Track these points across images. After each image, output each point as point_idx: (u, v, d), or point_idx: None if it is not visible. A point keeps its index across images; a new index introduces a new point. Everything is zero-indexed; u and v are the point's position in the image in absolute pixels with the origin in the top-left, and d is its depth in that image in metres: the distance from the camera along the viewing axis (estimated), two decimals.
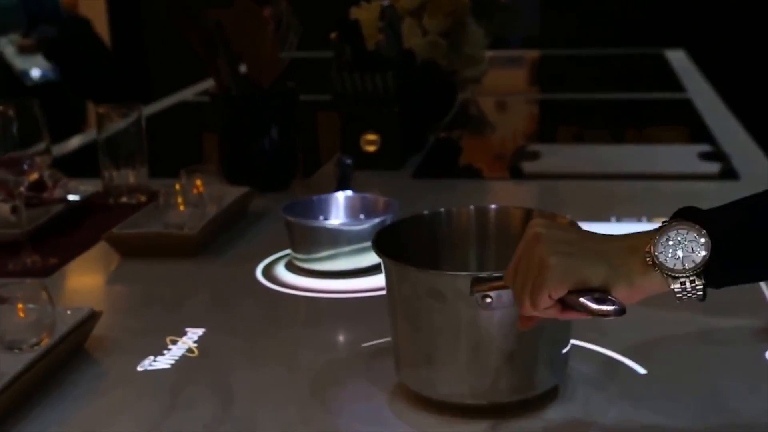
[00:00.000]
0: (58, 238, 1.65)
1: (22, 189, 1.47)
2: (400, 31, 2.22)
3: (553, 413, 1.03)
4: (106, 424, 1.05)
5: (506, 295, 0.95)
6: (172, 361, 1.19)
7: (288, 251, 1.53)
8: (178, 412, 1.06)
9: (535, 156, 2.21)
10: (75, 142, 2.56)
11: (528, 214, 1.15)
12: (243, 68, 1.92)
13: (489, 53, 2.67)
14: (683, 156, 2.18)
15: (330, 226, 1.49)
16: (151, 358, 1.19)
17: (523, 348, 1.01)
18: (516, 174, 2.11)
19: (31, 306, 1.15)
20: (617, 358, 1.16)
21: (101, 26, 6.00)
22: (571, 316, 0.91)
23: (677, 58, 3.53)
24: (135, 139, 1.82)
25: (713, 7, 4.86)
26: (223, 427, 1.03)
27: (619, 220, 1.70)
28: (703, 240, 0.87)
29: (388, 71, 2.05)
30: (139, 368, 1.17)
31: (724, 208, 0.90)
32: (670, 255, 0.87)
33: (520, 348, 1.01)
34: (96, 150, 1.85)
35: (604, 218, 1.72)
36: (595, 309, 0.89)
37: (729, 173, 2.02)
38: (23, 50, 5.52)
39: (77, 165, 2.20)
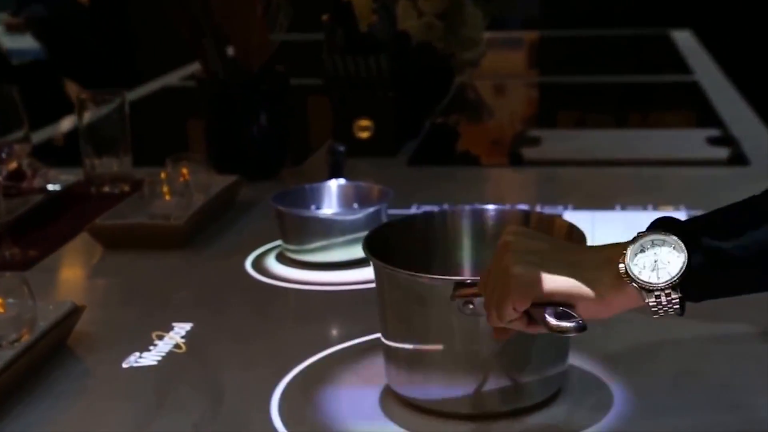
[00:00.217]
0: (39, 230, 1.65)
1: None
2: (394, 12, 2.22)
3: (545, 416, 1.03)
4: (89, 423, 1.05)
5: None
6: (159, 358, 1.19)
7: (279, 242, 1.53)
8: (166, 411, 1.07)
9: (535, 142, 2.21)
10: (67, 124, 2.55)
11: (526, 217, 1.14)
12: (231, 51, 1.92)
13: (487, 35, 2.67)
14: (690, 141, 2.19)
15: (322, 216, 1.49)
16: (137, 354, 1.20)
17: (513, 358, 1.00)
18: (515, 161, 2.11)
19: (10, 300, 1.15)
20: (622, 352, 1.17)
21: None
22: (537, 329, 0.90)
23: (683, 39, 3.53)
24: (118, 125, 1.82)
25: None
26: (212, 426, 1.04)
27: (623, 208, 1.71)
28: (679, 251, 0.85)
29: (382, 54, 2.06)
30: (124, 365, 1.17)
31: (703, 217, 0.89)
32: (644, 267, 0.86)
33: (508, 358, 1.00)
34: (77, 137, 1.85)
35: (607, 207, 1.72)
36: (553, 324, 0.87)
37: (738, 159, 2.03)
38: (11, 29, 5.50)
39: (58, 153, 2.20)
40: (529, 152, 2.13)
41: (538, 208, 1.74)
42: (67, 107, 1.88)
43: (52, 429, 1.04)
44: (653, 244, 0.86)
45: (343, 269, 1.44)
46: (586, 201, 1.76)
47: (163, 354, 1.20)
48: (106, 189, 1.83)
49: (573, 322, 0.87)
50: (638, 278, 0.86)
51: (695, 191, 1.82)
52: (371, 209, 1.48)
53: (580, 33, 3.95)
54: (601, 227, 1.61)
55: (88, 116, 1.82)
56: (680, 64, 3.11)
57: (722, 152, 2.07)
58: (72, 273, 1.56)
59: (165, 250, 1.54)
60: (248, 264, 1.50)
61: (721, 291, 0.88)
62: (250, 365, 1.18)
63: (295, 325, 1.31)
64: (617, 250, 0.88)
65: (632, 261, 0.86)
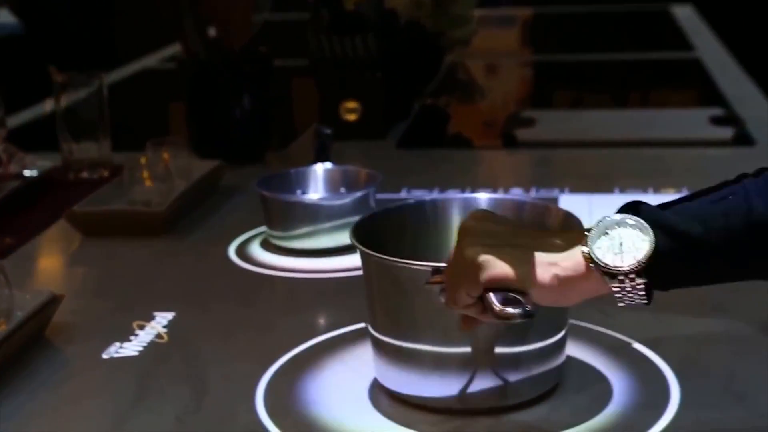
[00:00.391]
0: (15, 217, 1.66)
1: None
2: None
3: (538, 411, 1.03)
4: (69, 415, 1.06)
5: None
6: (140, 348, 1.20)
7: (263, 228, 1.54)
8: (148, 403, 1.08)
9: (529, 123, 2.22)
10: (45, 107, 2.55)
11: (520, 206, 1.14)
12: (212, 31, 1.93)
13: (478, 12, 2.69)
14: (693, 121, 2.20)
15: (308, 201, 1.51)
16: (117, 344, 1.21)
17: (504, 353, 1.00)
18: (509, 142, 2.12)
19: None
20: (624, 339, 1.18)
21: None
22: (490, 318, 0.90)
23: (685, 14, 3.54)
24: (96, 109, 1.83)
25: None
26: (196, 418, 1.05)
27: (623, 192, 1.72)
28: (645, 234, 0.84)
29: (369, 33, 2.06)
30: (104, 356, 1.18)
31: (674, 201, 0.88)
32: (607, 250, 0.85)
33: (500, 353, 1.00)
34: (54, 121, 1.86)
35: (606, 190, 1.73)
36: (498, 310, 0.87)
37: (743, 139, 2.03)
38: None
39: (34, 138, 2.21)
40: (523, 134, 2.14)
41: (533, 192, 1.75)
42: (46, 89, 1.88)
43: (29, 422, 1.05)
44: (618, 227, 0.86)
45: (330, 256, 1.46)
46: (583, 184, 1.77)
47: (145, 344, 1.21)
48: (85, 175, 1.84)
49: (519, 308, 0.86)
50: (601, 261, 0.85)
51: (698, 173, 1.83)
52: (359, 194, 1.49)
53: (576, 9, 3.94)
54: (598, 212, 1.61)
55: (65, 99, 1.82)
56: (681, 41, 3.12)
57: (726, 132, 2.08)
58: (50, 261, 1.57)
59: (145, 238, 1.55)
60: (232, 251, 1.51)
61: (689, 278, 0.86)
62: (235, 355, 1.19)
63: (281, 314, 1.32)
64: (581, 233, 0.87)
65: (595, 244, 0.86)
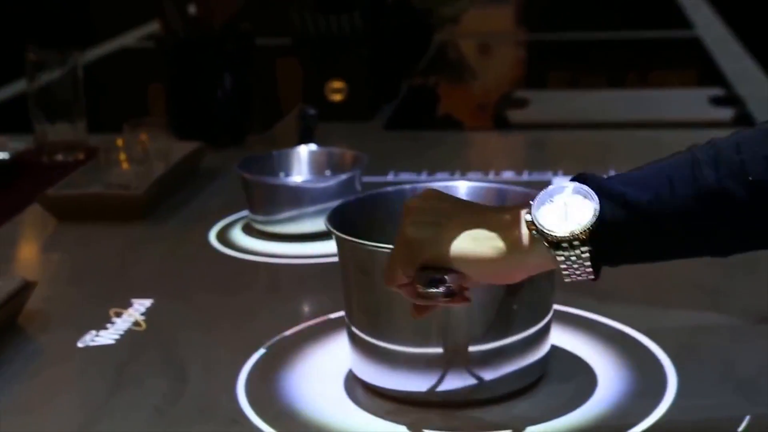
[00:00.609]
0: None
1: None
2: None
3: (519, 405, 1.03)
4: (43, 406, 1.06)
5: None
6: (117, 336, 1.20)
7: (245, 213, 1.55)
8: (125, 392, 1.08)
9: (522, 104, 2.23)
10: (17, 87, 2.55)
11: (502, 194, 1.13)
12: (192, 9, 1.93)
13: None
14: (692, 101, 2.20)
15: (292, 184, 1.51)
16: (93, 332, 1.21)
17: (476, 347, 1.00)
18: (501, 124, 2.12)
19: None
20: (618, 327, 1.19)
21: None
22: (422, 300, 0.89)
23: None
24: (71, 89, 1.83)
25: None
26: (175, 408, 1.05)
27: None
28: (590, 201, 0.83)
29: (355, 11, 2.06)
30: (80, 344, 1.18)
31: (624, 173, 0.87)
32: (551, 217, 0.84)
33: (468, 350, 1.00)
34: (27, 102, 1.85)
35: (602, 173, 1.73)
36: (420, 290, 0.87)
37: (744, 119, 2.04)
38: None
39: (6, 119, 2.20)
40: (515, 115, 2.15)
41: (525, 175, 1.75)
42: (19, 68, 1.87)
43: (2, 411, 1.05)
44: (563, 194, 0.85)
45: (314, 241, 1.46)
46: (578, 167, 1.74)
47: (122, 332, 1.21)
48: (59, 157, 1.83)
49: (442, 287, 0.86)
50: (544, 228, 0.84)
51: None
52: (344, 176, 1.49)
53: None
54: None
55: (38, 79, 1.82)
56: (680, 19, 3.12)
57: (726, 113, 2.09)
58: (22, 247, 1.57)
59: (123, 222, 1.55)
60: (212, 236, 1.51)
61: (635, 250, 0.85)
62: (215, 343, 1.19)
63: (263, 300, 1.33)
64: (527, 205, 0.86)
65: (539, 211, 0.85)
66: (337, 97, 2.10)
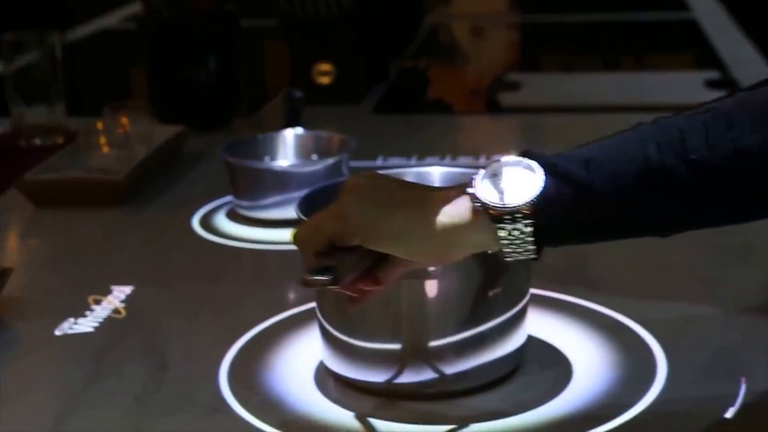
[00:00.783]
0: None
1: None
2: None
3: (492, 396, 1.02)
4: (19, 395, 1.06)
5: None
6: (96, 324, 1.19)
7: (229, 198, 1.54)
8: (104, 381, 1.07)
9: (514, 86, 2.22)
10: None
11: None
12: None
13: None
14: (687, 84, 2.21)
15: (277, 168, 1.50)
16: (71, 320, 1.20)
17: (445, 333, 0.99)
18: (492, 107, 2.12)
19: None
20: (609, 314, 1.18)
21: None
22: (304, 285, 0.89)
23: None
24: (49, 70, 1.82)
25: None
26: (156, 397, 1.04)
27: None
28: (534, 176, 0.83)
29: None
30: (57, 332, 1.18)
31: (571, 151, 0.86)
32: (494, 190, 0.84)
33: (428, 347, 0.99)
34: (3, 84, 1.84)
35: None
36: (303, 276, 0.87)
37: None
38: None
39: None
40: (507, 98, 2.14)
41: None
42: None
43: None
44: (507, 169, 0.85)
45: None
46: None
47: (101, 320, 1.20)
48: (37, 141, 1.82)
49: (327, 275, 0.86)
50: (487, 200, 0.84)
51: None
52: (331, 160, 1.48)
53: None
54: None
55: (15, 60, 1.81)
56: (676, 1, 3.12)
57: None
58: None
59: (103, 208, 1.54)
60: (195, 222, 1.51)
61: (578, 228, 0.86)
62: (197, 331, 1.18)
63: (247, 287, 1.32)
64: (464, 184, 0.87)
65: (482, 184, 0.85)
66: (325, 80, 2.09)
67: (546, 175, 0.83)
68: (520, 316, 1.04)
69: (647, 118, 2.06)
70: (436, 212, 0.86)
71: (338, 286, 0.88)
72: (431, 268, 0.96)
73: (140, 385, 1.06)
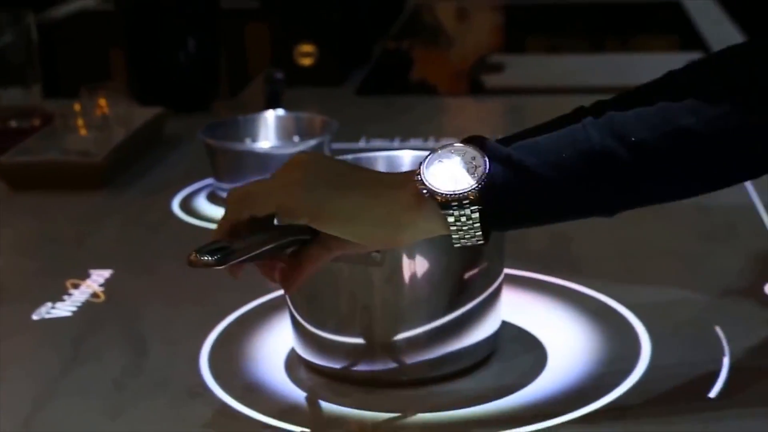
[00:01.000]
0: None
1: None
2: None
3: (467, 383, 1.02)
4: None
5: None
6: (74, 308, 1.19)
7: (210, 180, 1.53)
8: (82, 366, 1.07)
9: (498, 68, 2.22)
10: None
11: None
12: None
13: None
14: (671, 66, 2.17)
15: (258, 150, 1.49)
16: (49, 304, 1.20)
17: (416, 318, 0.99)
18: (476, 89, 2.12)
19: None
20: (592, 294, 1.19)
21: None
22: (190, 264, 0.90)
23: None
24: (24, 51, 1.80)
25: None
26: (135, 382, 1.04)
27: None
28: (479, 162, 0.85)
29: None
30: (35, 317, 1.17)
31: (513, 136, 0.91)
32: (441, 176, 0.86)
33: (411, 319, 0.99)
34: None
35: None
36: (190, 255, 0.88)
37: None
38: None
39: None
40: (490, 79, 2.14)
41: None
42: None
43: None
44: (453, 155, 0.87)
45: None
46: None
47: (79, 304, 1.20)
48: (13, 123, 1.81)
49: (214, 256, 0.87)
50: (433, 186, 0.86)
51: None
52: (313, 142, 1.48)
53: None
54: None
55: None
56: None
57: None
58: None
59: (81, 191, 1.54)
60: (175, 204, 1.50)
61: (523, 212, 0.88)
62: (177, 315, 1.18)
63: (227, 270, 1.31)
64: (412, 170, 0.88)
65: (428, 170, 0.86)
66: (307, 61, 2.08)
67: (489, 160, 0.85)
68: (494, 299, 1.03)
69: None
70: (387, 197, 0.88)
71: (224, 267, 0.89)
72: (374, 254, 0.95)
73: (119, 369, 1.06)
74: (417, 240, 0.91)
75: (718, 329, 1.09)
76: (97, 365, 1.07)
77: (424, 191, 0.86)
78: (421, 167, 0.87)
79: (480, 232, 0.87)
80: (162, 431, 0.95)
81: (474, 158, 0.86)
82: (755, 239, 1.32)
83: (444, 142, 0.88)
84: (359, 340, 0.99)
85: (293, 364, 1.05)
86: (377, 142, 1.74)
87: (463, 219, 0.86)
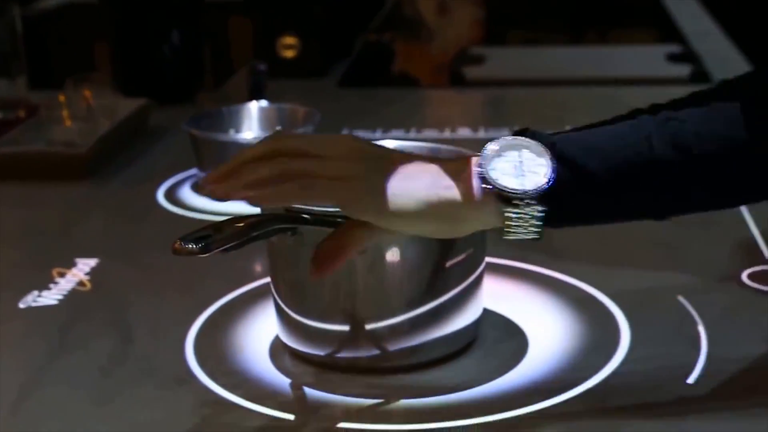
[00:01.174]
0: None
1: None
2: None
3: (445, 371, 1.02)
4: None
5: None
6: (60, 296, 1.19)
7: (194, 171, 1.53)
8: (69, 353, 1.07)
9: (478, 60, 2.22)
10: None
11: (434, 152, 1.09)
12: None
13: None
14: (649, 58, 2.21)
15: (242, 141, 1.49)
16: (35, 293, 1.19)
17: (398, 305, 0.98)
18: (457, 81, 2.12)
19: None
20: (573, 282, 1.19)
21: None
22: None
23: None
24: (9, 43, 1.80)
25: None
26: (121, 369, 1.03)
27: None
28: (544, 159, 0.84)
29: None
30: (21, 305, 1.17)
31: (569, 132, 0.89)
32: (504, 172, 0.84)
33: (394, 307, 0.98)
34: None
35: (559, 129, 1.73)
36: (174, 243, 0.88)
37: (700, 76, 2.05)
38: None
39: None
40: (471, 71, 2.14)
41: (481, 133, 1.75)
42: None
43: None
44: (514, 150, 0.85)
45: None
46: (535, 123, 1.74)
47: (65, 292, 1.20)
48: None
49: (198, 244, 0.88)
50: (498, 183, 0.84)
51: None
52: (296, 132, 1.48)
53: None
54: None
55: None
56: None
57: (683, 69, 2.10)
58: None
59: (66, 181, 1.53)
60: (160, 194, 1.50)
61: (580, 213, 0.87)
62: (163, 303, 1.18)
63: (213, 259, 1.30)
64: (472, 156, 0.87)
65: (490, 165, 0.85)
66: (290, 54, 2.08)
67: (554, 160, 0.84)
68: (475, 288, 1.03)
69: (609, 91, 2.07)
70: (449, 192, 0.86)
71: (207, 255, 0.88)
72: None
73: (105, 356, 1.05)
74: (473, 231, 0.89)
75: (696, 316, 1.09)
76: (84, 353, 1.07)
77: (488, 186, 0.84)
78: (482, 159, 0.85)
79: (538, 230, 0.85)
80: (148, 418, 0.95)
81: (538, 155, 0.84)
82: (733, 228, 1.32)
83: (502, 134, 0.86)
84: (342, 328, 0.99)
85: (277, 351, 1.05)
86: (359, 133, 1.74)
87: (525, 216, 0.84)
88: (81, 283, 1.22)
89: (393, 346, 0.99)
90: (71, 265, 1.26)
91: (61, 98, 1.61)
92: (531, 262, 1.22)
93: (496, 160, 0.85)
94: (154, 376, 1.02)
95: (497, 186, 0.84)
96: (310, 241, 0.95)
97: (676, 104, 0.92)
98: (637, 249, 1.28)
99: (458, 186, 0.86)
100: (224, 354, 1.05)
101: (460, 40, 2.62)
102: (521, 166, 0.84)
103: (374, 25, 2.52)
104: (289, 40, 2.08)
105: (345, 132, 1.75)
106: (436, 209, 0.86)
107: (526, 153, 0.85)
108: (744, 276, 1.18)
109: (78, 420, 0.94)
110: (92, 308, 1.17)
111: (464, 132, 1.76)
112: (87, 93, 1.63)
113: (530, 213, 0.84)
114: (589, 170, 0.84)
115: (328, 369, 1.01)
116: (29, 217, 1.45)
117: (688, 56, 2.19)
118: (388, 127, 1.78)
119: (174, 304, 1.17)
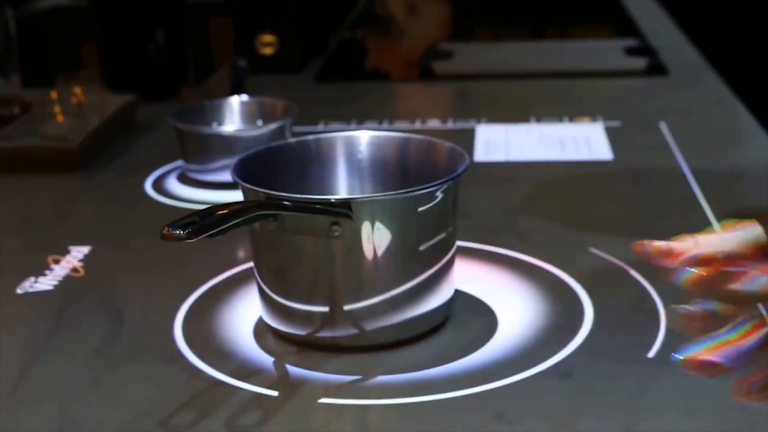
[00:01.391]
0: None
1: None
2: None
3: (422, 348, 1.02)
4: None
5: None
6: (56, 282, 1.19)
7: (179, 162, 1.53)
8: (65, 335, 1.07)
9: (447, 55, 2.22)
10: None
11: (404, 142, 1.12)
12: None
13: None
14: (608, 52, 2.22)
15: (224, 133, 1.49)
16: (32, 279, 1.19)
17: (375, 287, 0.99)
18: (426, 75, 2.12)
19: None
20: (539, 264, 1.20)
21: None
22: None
23: None
24: (3, 42, 1.79)
25: None
26: (114, 349, 1.04)
27: (538, 120, 1.73)
28: None
29: None
30: (19, 290, 1.17)
31: None
32: None
33: (370, 288, 0.99)
34: None
35: (522, 119, 1.75)
36: (162, 229, 0.88)
37: (656, 68, 2.06)
38: None
39: None
40: (440, 66, 2.15)
41: (450, 123, 1.75)
42: None
43: None
44: None
45: None
46: (500, 115, 1.79)
47: (60, 278, 1.20)
48: None
49: (187, 229, 0.88)
50: None
51: (612, 102, 1.86)
52: (275, 125, 1.47)
53: None
54: (514, 139, 1.64)
55: None
56: None
57: (640, 62, 2.11)
58: None
59: (59, 173, 1.53)
60: (148, 185, 1.50)
61: None
62: (153, 287, 1.18)
63: (199, 245, 1.28)
64: None
65: None
66: (268, 51, 2.08)
67: None
68: (447, 270, 1.03)
69: (569, 83, 2.08)
70: None
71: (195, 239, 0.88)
72: (335, 227, 0.95)
73: (99, 338, 1.06)
74: None
75: (654, 295, 1.10)
76: (79, 334, 1.07)
77: None
78: None
79: None
80: (140, 394, 0.95)
81: None
82: (689, 213, 1.33)
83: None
84: (322, 309, 1.00)
85: (261, 331, 1.06)
86: (335, 125, 1.75)
87: None
88: (75, 270, 1.22)
89: (370, 326, 1.00)
90: (65, 252, 1.26)
91: (53, 95, 1.60)
92: (500, 246, 1.23)
93: None
94: (145, 356, 1.02)
95: None
96: (291, 226, 0.96)
97: None
98: (599, 233, 1.29)
99: None
100: (211, 334, 1.06)
101: (429, 35, 2.63)
102: None
103: (348, 23, 2.52)
104: (268, 38, 2.08)
105: (321, 124, 1.75)
106: None
107: None
108: None
109: (74, 397, 0.95)
110: (86, 293, 1.17)
111: (434, 123, 1.76)
112: (77, 90, 1.63)
113: None
114: None
115: (309, 348, 1.01)
116: (24, 208, 1.45)
117: (644, 50, 2.20)
118: (362, 119, 1.78)
119: (163, 288, 1.17)
